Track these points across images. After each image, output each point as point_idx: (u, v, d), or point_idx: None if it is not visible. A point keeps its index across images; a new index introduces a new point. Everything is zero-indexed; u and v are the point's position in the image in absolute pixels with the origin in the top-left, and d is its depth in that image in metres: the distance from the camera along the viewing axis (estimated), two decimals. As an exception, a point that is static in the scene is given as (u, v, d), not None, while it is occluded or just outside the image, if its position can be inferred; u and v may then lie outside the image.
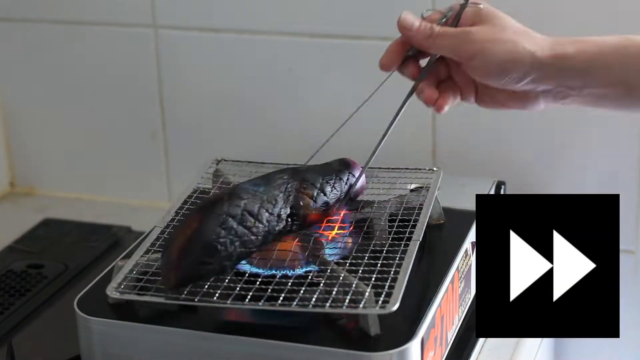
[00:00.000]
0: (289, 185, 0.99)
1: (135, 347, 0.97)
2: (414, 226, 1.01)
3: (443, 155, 1.36)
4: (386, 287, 0.92)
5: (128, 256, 1.03)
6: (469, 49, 0.94)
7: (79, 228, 1.40)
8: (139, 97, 1.48)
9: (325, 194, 1.01)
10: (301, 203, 0.99)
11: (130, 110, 1.49)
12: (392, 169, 1.13)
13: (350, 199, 1.04)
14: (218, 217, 0.93)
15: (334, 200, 1.01)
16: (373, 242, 1.02)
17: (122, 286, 0.96)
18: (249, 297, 0.93)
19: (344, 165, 1.04)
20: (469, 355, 1.07)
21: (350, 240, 1.04)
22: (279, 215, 0.97)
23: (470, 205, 1.04)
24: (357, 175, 1.03)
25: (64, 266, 1.29)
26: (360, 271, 0.95)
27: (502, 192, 1.23)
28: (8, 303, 1.20)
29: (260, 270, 0.99)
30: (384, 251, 0.98)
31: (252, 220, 0.95)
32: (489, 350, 1.12)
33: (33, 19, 1.49)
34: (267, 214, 0.96)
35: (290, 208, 0.98)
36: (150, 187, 1.52)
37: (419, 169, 1.13)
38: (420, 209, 1.06)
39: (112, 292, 0.95)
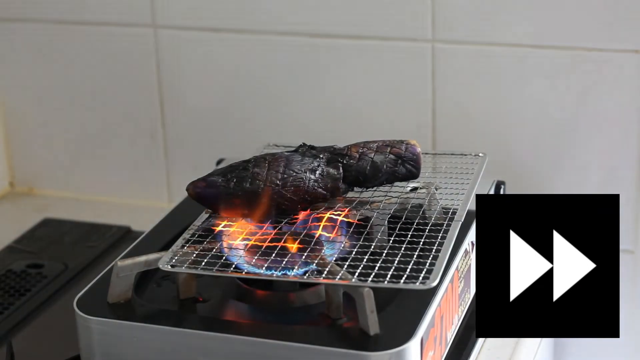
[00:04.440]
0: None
1: (135, 347, 0.97)
2: (418, 224, 1.03)
3: (443, 155, 1.36)
4: (427, 263, 0.93)
5: (128, 256, 1.03)
6: None
7: (79, 228, 1.40)
8: (139, 97, 1.48)
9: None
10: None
11: (130, 110, 1.49)
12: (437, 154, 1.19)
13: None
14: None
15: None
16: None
17: (174, 260, 0.97)
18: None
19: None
20: (469, 355, 1.08)
21: (349, 241, 1.04)
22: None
23: (470, 205, 1.04)
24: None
25: (63, 266, 1.29)
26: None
27: (502, 192, 1.23)
28: (8, 303, 1.20)
29: (259, 271, 0.99)
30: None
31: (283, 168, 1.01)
32: (489, 350, 1.12)
33: (33, 19, 1.49)
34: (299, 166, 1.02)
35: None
36: (150, 187, 1.52)
37: (464, 154, 1.16)
38: (420, 208, 1.07)
39: (164, 265, 0.96)
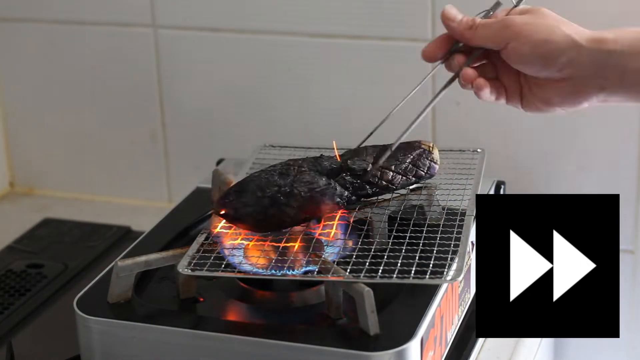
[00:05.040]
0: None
1: (135, 347, 0.97)
2: (430, 223, 1.04)
3: (443, 155, 1.36)
4: (448, 259, 0.96)
5: (128, 256, 1.03)
6: (507, 34, 0.95)
7: (79, 228, 1.40)
8: (139, 97, 1.48)
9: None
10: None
11: (130, 110, 1.50)
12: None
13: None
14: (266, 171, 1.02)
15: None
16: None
17: (192, 264, 0.97)
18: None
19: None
20: (469, 355, 1.08)
21: (350, 241, 1.04)
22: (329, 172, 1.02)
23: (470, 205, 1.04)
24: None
25: (63, 266, 1.29)
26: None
27: (502, 192, 1.23)
28: (8, 303, 1.20)
29: (260, 271, 0.99)
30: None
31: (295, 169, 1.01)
32: (489, 350, 1.12)
33: (33, 19, 1.49)
34: (314, 170, 1.01)
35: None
36: (150, 187, 1.52)
37: (463, 150, 1.17)
38: (421, 209, 1.08)
39: (184, 269, 0.96)
